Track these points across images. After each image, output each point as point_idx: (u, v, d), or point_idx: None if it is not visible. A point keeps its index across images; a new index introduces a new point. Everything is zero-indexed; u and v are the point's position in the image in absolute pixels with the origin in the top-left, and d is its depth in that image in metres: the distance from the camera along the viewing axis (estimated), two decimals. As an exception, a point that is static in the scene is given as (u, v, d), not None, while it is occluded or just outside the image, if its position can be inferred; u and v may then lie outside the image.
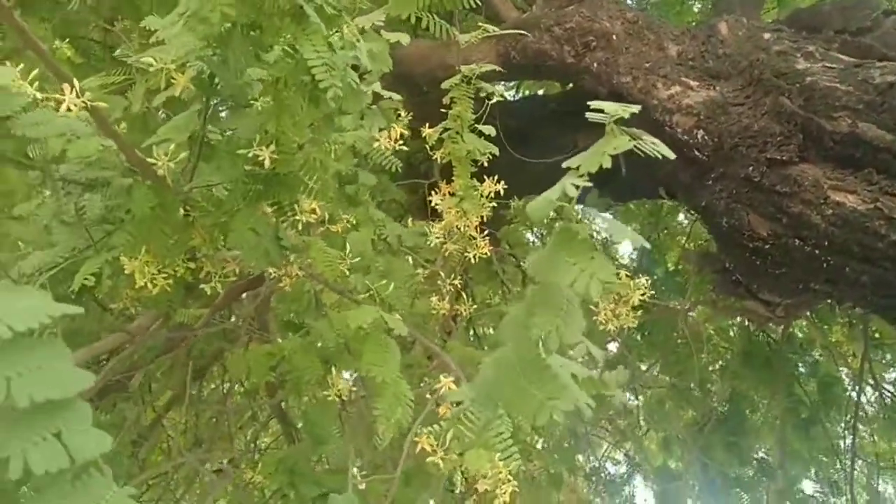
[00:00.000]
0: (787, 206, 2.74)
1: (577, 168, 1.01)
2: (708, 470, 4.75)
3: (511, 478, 1.92)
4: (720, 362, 5.00)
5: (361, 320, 1.96)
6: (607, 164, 0.98)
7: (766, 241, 2.86)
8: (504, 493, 1.95)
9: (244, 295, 3.32)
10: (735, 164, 2.91)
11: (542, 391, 1.19)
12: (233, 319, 3.87)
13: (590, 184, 1.06)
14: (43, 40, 3.09)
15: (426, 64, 3.94)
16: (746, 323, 4.68)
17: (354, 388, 2.59)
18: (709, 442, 4.47)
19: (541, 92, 6.20)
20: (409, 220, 3.18)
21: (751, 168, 2.84)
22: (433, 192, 4.20)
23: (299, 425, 4.47)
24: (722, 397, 4.70)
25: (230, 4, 1.29)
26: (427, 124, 2.49)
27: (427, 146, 2.50)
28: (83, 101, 1.56)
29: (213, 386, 5.32)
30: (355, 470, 2.10)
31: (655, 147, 1.00)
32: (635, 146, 0.99)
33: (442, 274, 3.14)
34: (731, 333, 5.10)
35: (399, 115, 2.66)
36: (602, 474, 5.35)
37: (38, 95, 1.67)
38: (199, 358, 4.37)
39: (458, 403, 1.83)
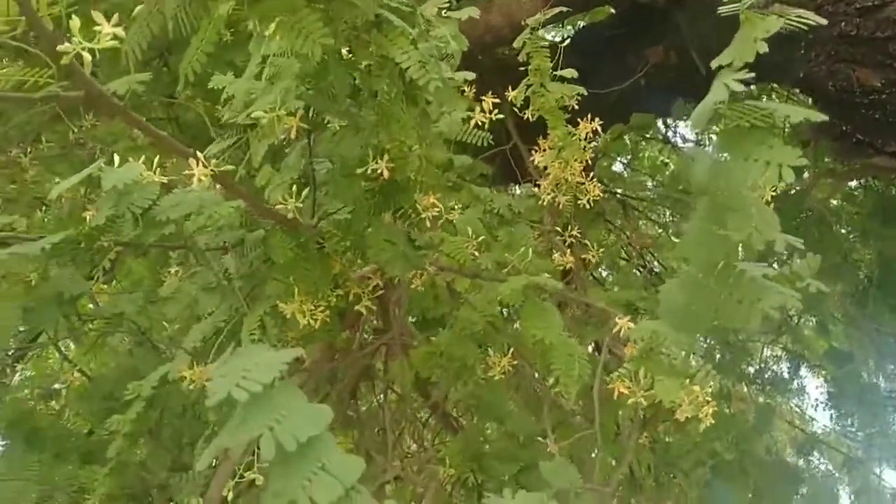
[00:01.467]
0: (894, 49, 2.59)
1: (731, 64, 0.99)
2: (876, 341, 4.57)
3: (710, 398, 1.92)
4: (857, 231, 4.78)
5: (515, 288, 1.98)
6: (763, 48, 0.96)
7: (882, 91, 2.71)
8: (706, 415, 1.94)
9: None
10: (824, 26, 2.76)
11: (746, 296, 1.19)
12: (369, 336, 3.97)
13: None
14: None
15: (473, 32, 3.92)
16: (874, 183, 4.46)
17: (516, 362, 2.62)
18: (870, 311, 4.30)
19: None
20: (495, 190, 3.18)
21: (843, 24, 2.69)
22: (513, 157, 4.20)
23: (460, 416, 4.58)
24: (870, 264, 4.50)
25: (326, 35, 1.33)
26: (489, 92, 2.47)
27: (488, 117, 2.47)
28: (210, 170, 1.64)
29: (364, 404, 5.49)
30: (551, 435, 2.13)
31: (803, 18, 0.97)
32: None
33: (558, 229, 3.14)
34: (860, 199, 4.86)
35: (464, 91, 2.66)
36: (766, 375, 5.23)
37: (164, 179, 1.77)
38: (341, 380, 4.52)
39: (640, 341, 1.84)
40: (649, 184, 5.86)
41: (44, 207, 3.07)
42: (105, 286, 3.22)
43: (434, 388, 3.89)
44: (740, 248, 1.17)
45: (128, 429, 2.19)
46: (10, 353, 3.00)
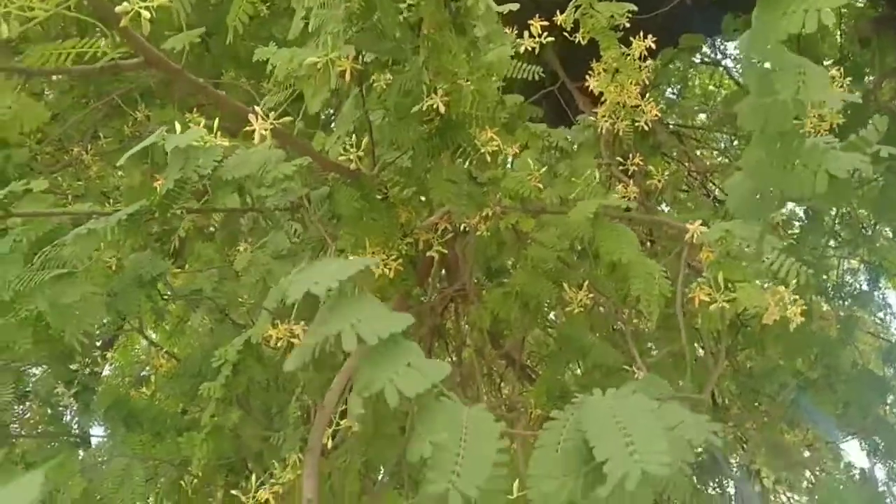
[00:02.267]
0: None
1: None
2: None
3: (798, 297, 1.86)
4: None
5: (587, 211, 1.95)
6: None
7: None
8: (795, 314, 1.89)
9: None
10: None
11: (809, 162, 1.14)
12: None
13: None
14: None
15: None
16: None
17: (591, 295, 2.59)
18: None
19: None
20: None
21: None
22: (562, 97, 4.11)
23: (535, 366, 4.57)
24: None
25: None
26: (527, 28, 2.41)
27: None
28: (271, 123, 1.64)
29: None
30: (639, 358, 2.10)
31: None
32: None
33: (619, 159, 3.07)
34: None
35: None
36: (845, 290, 5.06)
37: (225, 142, 1.78)
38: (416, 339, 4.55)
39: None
40: (702, 115, 5.69)
41: (110, 201, 3.15)
42: (178, 270, 3.31)
43: (508, 338, 3.89)
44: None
45: (219, 394, 2.25)
46: (97, 344, 3.11)
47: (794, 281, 1.80)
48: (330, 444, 1.87)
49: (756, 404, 4.01)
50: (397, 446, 3.24)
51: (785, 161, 1.13)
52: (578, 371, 3.45)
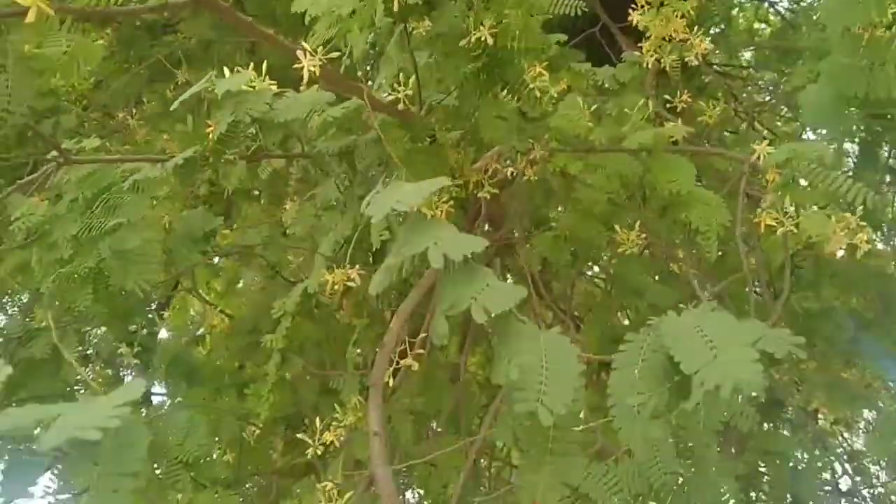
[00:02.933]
0: None
1: None
2: None
3: (863, 224, 1.79)
4: None
5: (644, 140, 1.91)
6: None
7: None
8: (862, 241, 1.82)
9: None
10: None
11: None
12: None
13: None
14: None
15: None
16: None
17: (644, 235, 2.54)
18: None
19: None
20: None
21: None
22: (601, 36, 4.00)
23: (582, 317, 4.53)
24: None
25: None
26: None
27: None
28: (320, 59, 1.63)
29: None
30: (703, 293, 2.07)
31: None
32: None
33: (667, 96, 2.99)
34: None
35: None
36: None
37: (273, 86, 1.77)
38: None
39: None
40: (747, 55, 5.52)
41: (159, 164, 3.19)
42: (226, 231, 3.35)
43: (555, 289, 3.87)
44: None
45: (281, 345, 2.28)
46: (153, 305, 3.17)
47: (861, 207, 1.73)
48: (391, 384, 1.88)
49: (813, 345, 3.94)
50: (450, 395, 3.28)
51: (872, 61, 1.08)
52: (627, 322, 3.42)
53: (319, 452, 1.96)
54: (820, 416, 3.71)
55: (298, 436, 2.05)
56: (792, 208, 1.75)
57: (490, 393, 4.30)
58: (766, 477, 2.48)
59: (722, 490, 1.63)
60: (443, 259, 1.04)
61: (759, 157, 1.81)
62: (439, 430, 3.29)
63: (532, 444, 1.33)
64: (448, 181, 1.15)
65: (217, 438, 2.73)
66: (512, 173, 2.48)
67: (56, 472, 1.38)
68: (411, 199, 1.06)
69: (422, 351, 1.97)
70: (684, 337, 1.07)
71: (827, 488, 2.58)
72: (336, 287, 1.99)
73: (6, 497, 0.83)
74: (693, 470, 1.59)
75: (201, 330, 3.45)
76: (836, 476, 2.73)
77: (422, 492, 2.91)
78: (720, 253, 2.22)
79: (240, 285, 4.01)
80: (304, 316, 2.71)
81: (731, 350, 1.02)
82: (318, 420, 2.02)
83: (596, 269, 4.66)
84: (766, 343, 1.11)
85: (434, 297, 1.16)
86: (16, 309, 3.18)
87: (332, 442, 2.01)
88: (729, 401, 1.72)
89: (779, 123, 5.16)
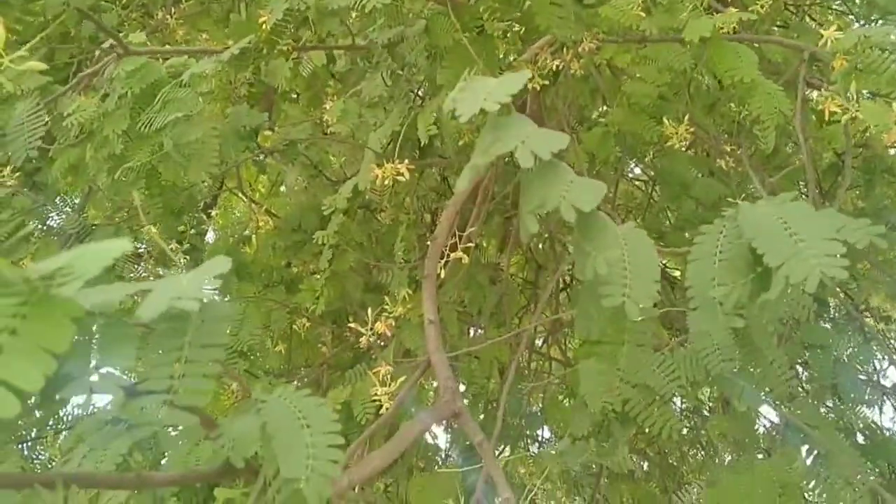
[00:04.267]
0: None
1: None
2: None
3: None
4: None
5: (704, 28, 1.84)
6: None
7: None
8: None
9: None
10: None
11: None
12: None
13: None
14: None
15: None
16: None
17: (691, 129, 2.49)
18: None
19: None
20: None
21: None
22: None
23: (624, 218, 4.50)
24: None
25: None
26: None
27: None
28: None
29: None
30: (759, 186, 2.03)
31: None
32: None
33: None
34: None
35: None
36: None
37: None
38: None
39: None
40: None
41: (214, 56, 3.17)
42: (269, 132, 3.35)
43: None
44: None
45: (333, 241, 2.32)
46: (200, 204, 3.21)
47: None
48: (442, 275, 1.91)
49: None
50: (491, 294, 3.33)
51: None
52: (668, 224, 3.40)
53: (371, 340, 2.02)
54: (867, 314, 3.70)
55: (350, 325, 2.11)
56: (855, 96, 1.69)
57: (529, 294, 4.36)
58: (808, 369, 2.51)
59: (780, 376, 1.66)
60: (532, 157, 1.02)
61: (825, 44, 1.73)
62: (482, 327, 3.37)
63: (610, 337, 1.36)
64: (528, 74, 1.12)
65: (269, 330, 2.83)
66: (557, 66, 2.42)
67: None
68: (500, 95, 1.04)
69: (470, 244, 2.00)
70: (766, 228, 1.06)
71: (868, 381, 2.59)
72: (386, 181, 2.00)
73: (103, 378, 0.87)
74: (750, 357, 1.62)
75: (247, 231, 3.51)
76: (880, 371, 2.75)
77: (465, 384, 3.00)
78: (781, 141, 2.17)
79: (283, 189, 4.05)
80: (349, 216, 2.74)
81: (817, 242, 1.01)
82: (368, 311, 2.07)
83: (637, 171, 4.61)
84: (846, 233, 1.10)
85: (518, 196, 1.14)
86: (68, 209, 3.26)
87: (382, 332, 2.06)
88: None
89: (830, 18, 4.93)
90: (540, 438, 4.14)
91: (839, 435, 1.93)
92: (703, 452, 4.14)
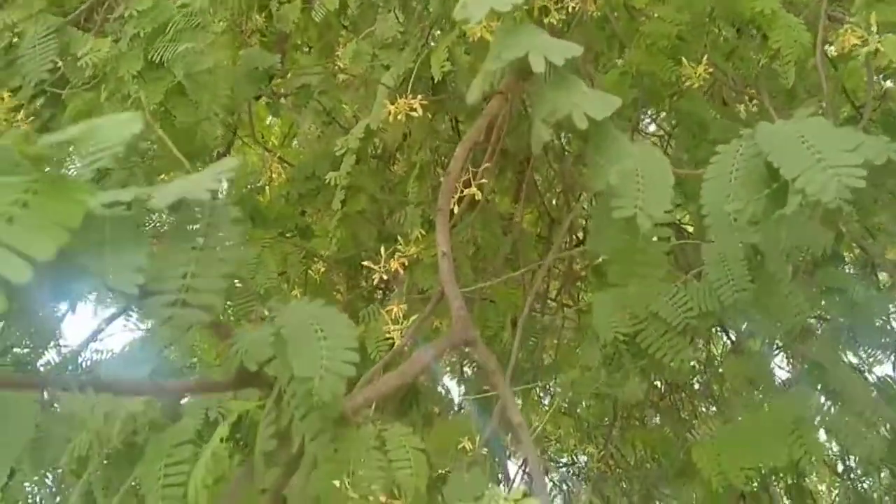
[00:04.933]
0: None
1: None
2: None
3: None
4: None
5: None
6: None
7: None
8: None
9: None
10: None
11: None
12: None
13: None
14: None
15: None
16: None
17: (710, 70, 2.44)
18: None
19: None
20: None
21: None
22: None
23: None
24: None
25: None
26: None
27: None
28: None
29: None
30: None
31: None
32: None
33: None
34: None
35: None
36: None
37: None
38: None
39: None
40: None
41: None
42: (280, 80, 3.33)
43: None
44: None
45: (345, 182, 2.32)
46: (214, 153, 3.21)
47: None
48: (456, 210, 1.90)
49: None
50: (505, 241, 3.32)
51: None
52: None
53: (384, 278, 2.03)
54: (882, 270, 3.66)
55: (364, 263, 2.11)
56: (875, 28, 1.65)
57: (543, 249, 4.35)
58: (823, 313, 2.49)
59: (794, 309, 1.65)
60: (543, 62, 1.01)
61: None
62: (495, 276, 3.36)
63: (621, 259, 1.35)
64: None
65: (285, 275, 2.84)
66: (574, 7, 2.37)
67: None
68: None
69: (485, 181, 1.99)
70: (784, 142, 1.05)
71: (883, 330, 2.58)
72: (399, 116, 1.99)
73: (117, 274, 0.88)
74: (765, 289, 1.61)
75: (261, 182, 3.51)
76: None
77: (479, 329, 3.00)
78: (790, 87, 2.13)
79: (295, 143, 4.05)
80: (362, 162, 2.73)
81: (835, 154, 1.00)
82: (381, 250, 2.08)
83: (652, 128, 4.55)
84: (865, 149, 1.08)
85: (531, 105, 1.13)
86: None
87: (395, 270, 2.07)
88: (806, 222, 1.72)
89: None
90: (552, 391, 4.17)
91: (854, 373, 1.92)
92: (714, 408, 4.16)
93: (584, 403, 4.06)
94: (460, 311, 1.56)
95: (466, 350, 2.08)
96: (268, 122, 4.01)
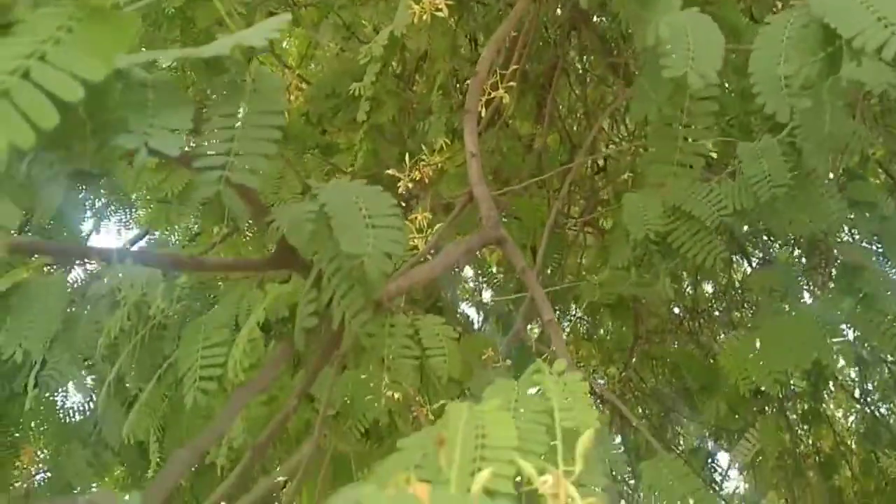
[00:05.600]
0: None
1: None
2: None
3: None
4: None
5: None
6: None
7: None
8: None
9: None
10: None
11: None
12: None
13: None
14: None
15: None
16: None
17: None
18: None
19: None
20: None
21: None
22: None
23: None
24: None
25: None
26: None
27: None
28: None
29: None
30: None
31: None
32: None
33: None
34: None
35: None
36: None
37: None
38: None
39: None
40: None
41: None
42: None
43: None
44: None
45: (369, 92, 2.28)
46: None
47: None
48: (484, 113, 1.87)
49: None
50: (528, 159, 3.29)
51: None
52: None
53: (409, 187, 2.01)
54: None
55: (388, 171, 2.09)
56: None
57: (565, 175, 4.30)
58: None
59: (830, 206, 1.62)
60: None
61: None
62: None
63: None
64: None
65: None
66: None
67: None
68: None
69: (513, 83, 1.94)
70: (840, 4, 1.01)
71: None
72: (424, 17, 1.93)
73: (159, 136, 0.86)
74: (801, 185, 1.58)
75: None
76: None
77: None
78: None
79: (312, 67, 3.98)
80: (384, 78, 2.67)
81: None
82: (406, 157, 2.06)
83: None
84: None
85: None
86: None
87: (420, 178, 2.05)
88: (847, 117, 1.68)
89: None
90: (571, 317, 4.17)
91: (884, 276, 1.89)
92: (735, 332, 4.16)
93: (605, 327, 4.08)
94: (490, 211, 1.55)
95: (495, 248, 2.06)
96: (284, 45, 3.94)
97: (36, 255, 1.18)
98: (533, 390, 0.86)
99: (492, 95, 1.85)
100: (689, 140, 1.62)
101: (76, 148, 0.80)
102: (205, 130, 0.94)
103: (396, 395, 1.33)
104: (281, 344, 1.05)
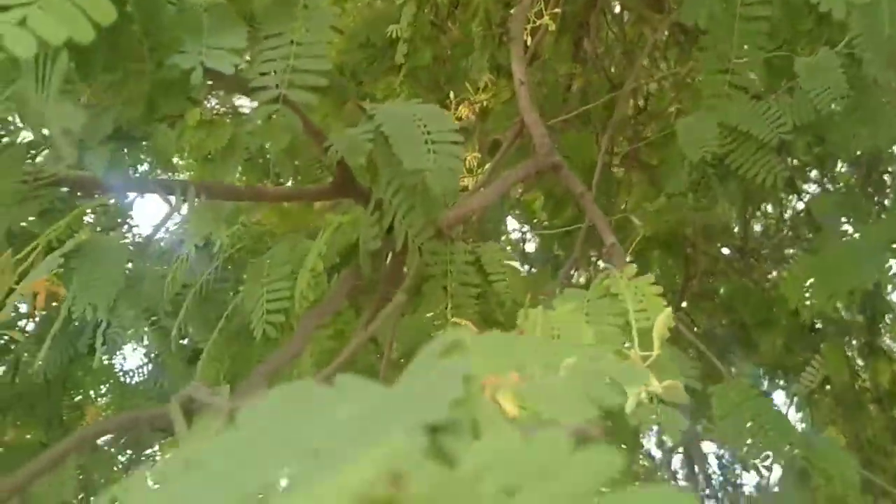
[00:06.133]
0: None
1: None
2: None
3: None
4: None
5: None
6: None
7: None
8: None
9: None
10: None
11: None
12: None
13: None
14: None
15: None
16: None
17: None
18: None
19: None
20: None
21: None
22: None
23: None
24: None
25: None
26: None
27: None
28: None
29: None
30: None
31: None
32: None
33: None
34: None
35: None
36: None
37: None
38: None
39: None
40: None
41: None
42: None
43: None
44: None
45: (407, 34, 2.24)
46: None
47: None
48: (530, 42, 1.83)
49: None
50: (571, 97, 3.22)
51: None
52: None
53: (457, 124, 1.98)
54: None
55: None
56: None
57: (606, 116, 4.22)
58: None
59: (893, 119, 1.55)
60: None
61: None
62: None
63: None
64: None
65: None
66: None
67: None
68: None
69: (557, 10, 1.89)
70: None
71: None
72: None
73: (214, 55, 0.85)
74: (862, 95, 1.51)
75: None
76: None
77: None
78: None
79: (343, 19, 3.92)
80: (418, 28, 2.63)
81: None
82: (451, 95, 2.03)
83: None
84: None
85: None
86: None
87: (465, 116, 2.02)
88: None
89: None
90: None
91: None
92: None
93: (654, 270, 4.03)
94: (543, 138, 1.52)
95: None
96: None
97: (97, 194, 1.19)
98: (603, 297, 0.84)
99: (537, 23, 1.81)
100: (743, 60, 1.56)
101: (134, 69, 0.80)
102: (256, 51, 0.93)
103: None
104: (346, 270, 1.05)
